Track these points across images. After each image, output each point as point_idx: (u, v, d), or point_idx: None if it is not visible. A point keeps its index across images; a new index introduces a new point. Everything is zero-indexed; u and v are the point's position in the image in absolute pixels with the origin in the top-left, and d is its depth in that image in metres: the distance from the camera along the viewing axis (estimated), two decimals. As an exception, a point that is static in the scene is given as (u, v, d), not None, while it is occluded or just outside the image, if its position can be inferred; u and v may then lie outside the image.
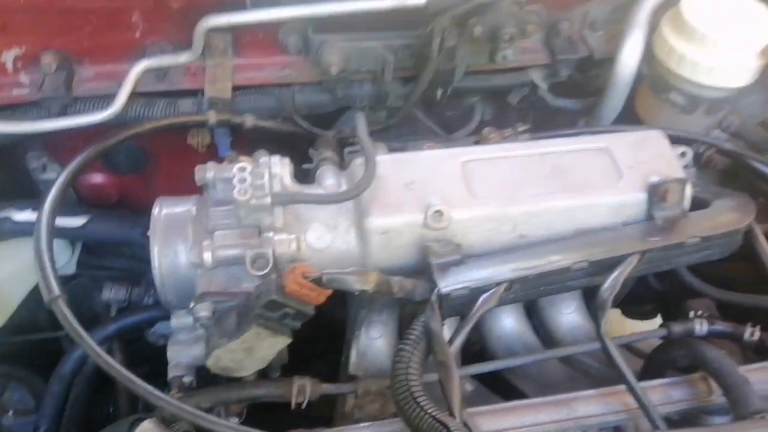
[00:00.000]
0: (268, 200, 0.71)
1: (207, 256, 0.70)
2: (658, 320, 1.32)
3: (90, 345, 0.62)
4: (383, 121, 1.04)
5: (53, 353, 1.10)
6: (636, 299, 1.23)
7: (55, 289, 0.65)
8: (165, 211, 0.77)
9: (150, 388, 0.61)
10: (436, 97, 0.99)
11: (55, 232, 1.06)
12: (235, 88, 0.97)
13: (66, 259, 1.17)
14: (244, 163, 0.74)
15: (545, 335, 0.98)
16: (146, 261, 0.79)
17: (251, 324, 0.66)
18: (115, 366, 0.62)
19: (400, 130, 1.16)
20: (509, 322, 0.98)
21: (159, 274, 0.74)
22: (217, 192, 0.78)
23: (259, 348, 0.68)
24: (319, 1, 0.91)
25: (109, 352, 1.12)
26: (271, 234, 0.72)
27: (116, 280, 1.15)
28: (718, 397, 0.74)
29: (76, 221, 1.08)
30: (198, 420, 0.62)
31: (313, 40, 0.94)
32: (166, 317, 0.85)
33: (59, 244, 1.15)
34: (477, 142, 0.92)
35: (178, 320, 0.80)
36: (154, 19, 0.92)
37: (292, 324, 0.68)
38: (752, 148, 1.07)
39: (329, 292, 0.66)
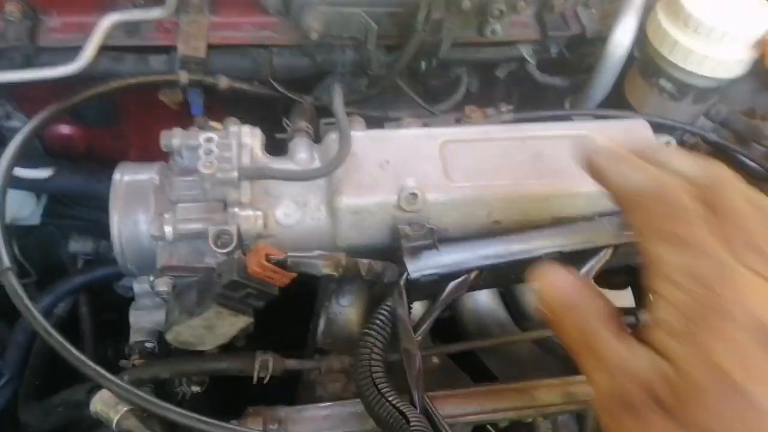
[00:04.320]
0: (235, 174, 0.68)
1: (168, 230, 0.68)
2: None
3: (40, 322, 0.60)
4: (364, 90, 1.00)
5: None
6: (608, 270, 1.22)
7: (6, 261, 0.62)
8: (126, 177, 0.73)
9: (100, 370, 0.60)
10: (421, 68, 0.96)
11: (20, 184, 1.04)
12: (210, 47, 0.93)
13: (30, 210, 1.14)
14: (212, 133, 0.71)
15: (516, 311, 0.98)
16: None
17: (212, 303, 0.64)
18: (65, 345, 0.60)
19: (382, 97, 1.13)
20: (482, 296, 0.98)
21: (119, 243, 0.71)
22: (183, 159, 0.75)
23: (220, 326, 0.67)
24: (302, -38, 0.86)
25: (76, 304, 1.11)
26: (236, 209, 0.69)
27: (83, 231, 1.12)
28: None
29: (42, 173, 1.04)
30: (148, 405, 0.60)
31: (293, 2, 0.89)
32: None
33: (24, 195, 1.12)
34: (458, 120, 0.89)
35: (141, 286, 0.79)
36: (126, -30, 0.86)
37: (255, 303, 0.67)
38: (738, 137, 1.06)
39: (294, 275, 0.65)
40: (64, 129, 1.11)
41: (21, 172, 1.00)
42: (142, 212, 0.71)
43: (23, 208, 1.13)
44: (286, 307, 1.14)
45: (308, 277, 0.68)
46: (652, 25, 0.93)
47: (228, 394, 0.88)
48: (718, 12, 0.86)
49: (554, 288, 0.43)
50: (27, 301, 0.60)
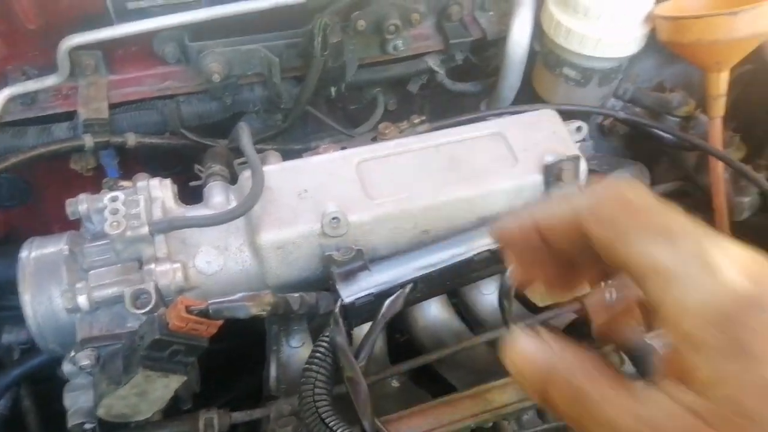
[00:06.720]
0: (145, 229, 0.65)
1: (82, 300, 0.64)
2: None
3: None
4: (279, 124, 0.99)
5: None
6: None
7: None
8: (34, 254, 0.70)
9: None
10: (331, 94, 0.95)
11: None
12: (114, 106, 0.91)
13: (-43, 306, 1.08)
14: (117, 192, 0.69)
15: (471, 318, 0.97)
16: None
17: (138, 367, 0.61)
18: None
19: (304, 129, 1.12)
20: (434, 311, 0.96)
21: (35, 324, 0.68)
22: (94, 225, 0.72)
23: (153, 390, 0.63)
24: (192, 8, 0.85)
25: (17, 398, 1.05)
26: (152, 266, 0.66)
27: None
28: (630, 367, 0.75)
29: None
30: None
31: (191, 48, 0.88)
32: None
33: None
34: (374, 139, 0.89)
35: (70, 366, 0.74)
36: (12, 43, 0.84)
37: (184, 360, 0.63)
38: (650, 112, 1.09)
39: (220, 322, 0.62)
40: (-20, 215, 1.07)
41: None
42: (54, 287, 0.68)
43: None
44: (239, 360, 1.10)
45: (239, 321, 0.65)
46: (545, 18, 0.95)
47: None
48: (604, -6, 0.89)
49: (526, 361, 0.34)
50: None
